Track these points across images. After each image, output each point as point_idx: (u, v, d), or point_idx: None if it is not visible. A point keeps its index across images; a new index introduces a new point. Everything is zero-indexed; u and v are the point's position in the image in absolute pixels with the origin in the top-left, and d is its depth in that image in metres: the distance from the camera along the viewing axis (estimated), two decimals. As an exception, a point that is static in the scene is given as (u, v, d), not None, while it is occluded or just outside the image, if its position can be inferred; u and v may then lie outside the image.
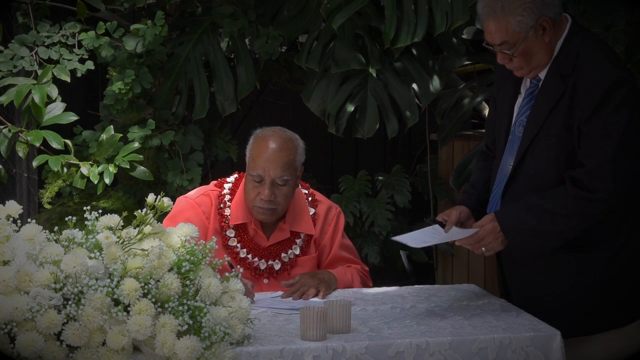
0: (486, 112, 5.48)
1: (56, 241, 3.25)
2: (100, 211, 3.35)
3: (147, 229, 3.30)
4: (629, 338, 3.79)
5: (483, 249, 3.73)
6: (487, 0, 3.62)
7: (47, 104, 4.87)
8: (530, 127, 3.73)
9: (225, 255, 3.54)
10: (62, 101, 4.94)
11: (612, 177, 3.60)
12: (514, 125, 3.82)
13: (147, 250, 3.22)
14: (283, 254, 4.13)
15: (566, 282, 3.74)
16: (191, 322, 3.16)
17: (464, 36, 5.34)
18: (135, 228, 3.31)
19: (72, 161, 4.93)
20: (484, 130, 5.49)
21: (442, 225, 3.77)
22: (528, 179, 3.74)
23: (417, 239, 3.79)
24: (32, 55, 5.04)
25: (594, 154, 3.60)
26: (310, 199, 4.22)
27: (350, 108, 5.24)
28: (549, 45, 3.67)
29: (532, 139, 3.72)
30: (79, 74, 5.04)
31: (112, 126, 5.00)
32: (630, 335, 3.79)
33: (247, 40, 5.27)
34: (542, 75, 3.74)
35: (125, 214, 3.35)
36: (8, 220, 3.23)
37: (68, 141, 4.93)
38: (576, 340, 3.63)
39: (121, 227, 3.29)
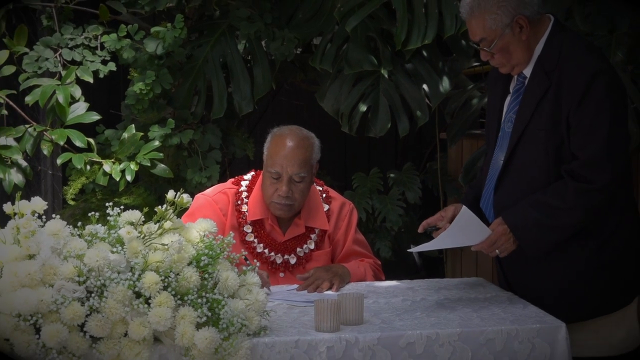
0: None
1: (80, 236, 3.27)
2: (122, 207, 3.36)
3: (167, 224, 3.32)
4: (617, 324, 3.84)
5: (497, 251, 3.77)
6: (467, 0, 3.73)
7: (70, 103, 4.91)
8: (519, 122, 3.78)
9: (242, 250, 3.57)
10: (85, 101, 4.97)
11: (607, 166, 3.64)
12: (504, 122, 3.87)
13: (167, 244, 3.25)
14: (298, 249, 4.17)
15: (557, 270, 3.78)
16: (210, 314, 3.18)
17: (472, 38, 5.39)
18: (155, 223, 3.33)
19: (95, 159, 4.96)
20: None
21: (437, 228, 3.83)
22: (518, 172, 3.79)
23: (433, 245, 3.81)
24: (56, 57, 5.06)
25: (587, 146, 3.65)
26: (324, 195, 4.25)
27: (363, 108, 5.24)
28: (526, 43, 3.74)
29: (521, 134, 3.76)
30: (101, 75, 5.08)
31: (133, 125, 5.03)
32: (619, 320, 3.84)
33: (263, 43, 5.28)
34: (527, 73, 3.80)
35: (146, 209, 3.35)
36: (33, 215, 3.24)
37: (91, 140, 4.96)
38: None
39: (142, 223, 3.30)
